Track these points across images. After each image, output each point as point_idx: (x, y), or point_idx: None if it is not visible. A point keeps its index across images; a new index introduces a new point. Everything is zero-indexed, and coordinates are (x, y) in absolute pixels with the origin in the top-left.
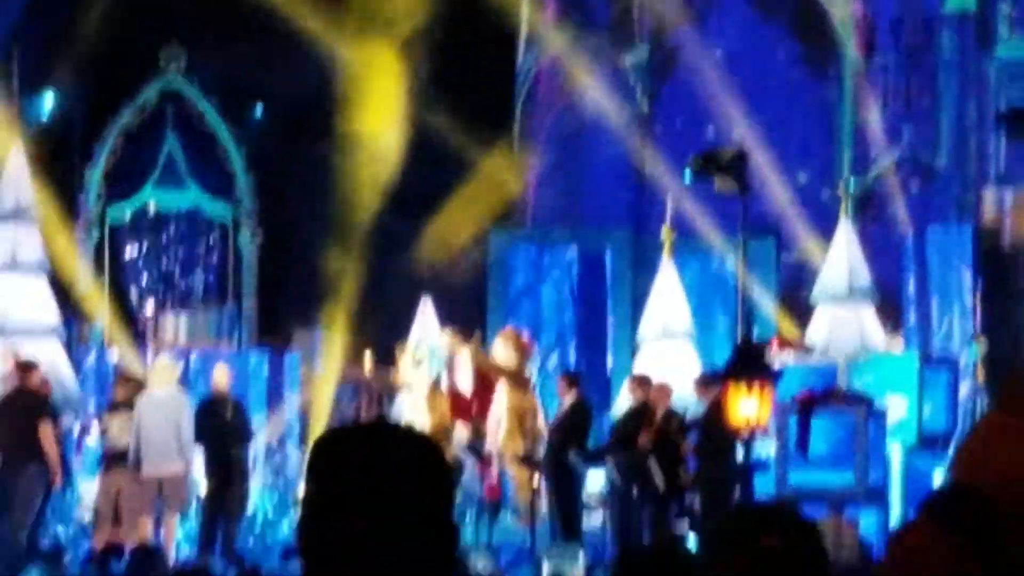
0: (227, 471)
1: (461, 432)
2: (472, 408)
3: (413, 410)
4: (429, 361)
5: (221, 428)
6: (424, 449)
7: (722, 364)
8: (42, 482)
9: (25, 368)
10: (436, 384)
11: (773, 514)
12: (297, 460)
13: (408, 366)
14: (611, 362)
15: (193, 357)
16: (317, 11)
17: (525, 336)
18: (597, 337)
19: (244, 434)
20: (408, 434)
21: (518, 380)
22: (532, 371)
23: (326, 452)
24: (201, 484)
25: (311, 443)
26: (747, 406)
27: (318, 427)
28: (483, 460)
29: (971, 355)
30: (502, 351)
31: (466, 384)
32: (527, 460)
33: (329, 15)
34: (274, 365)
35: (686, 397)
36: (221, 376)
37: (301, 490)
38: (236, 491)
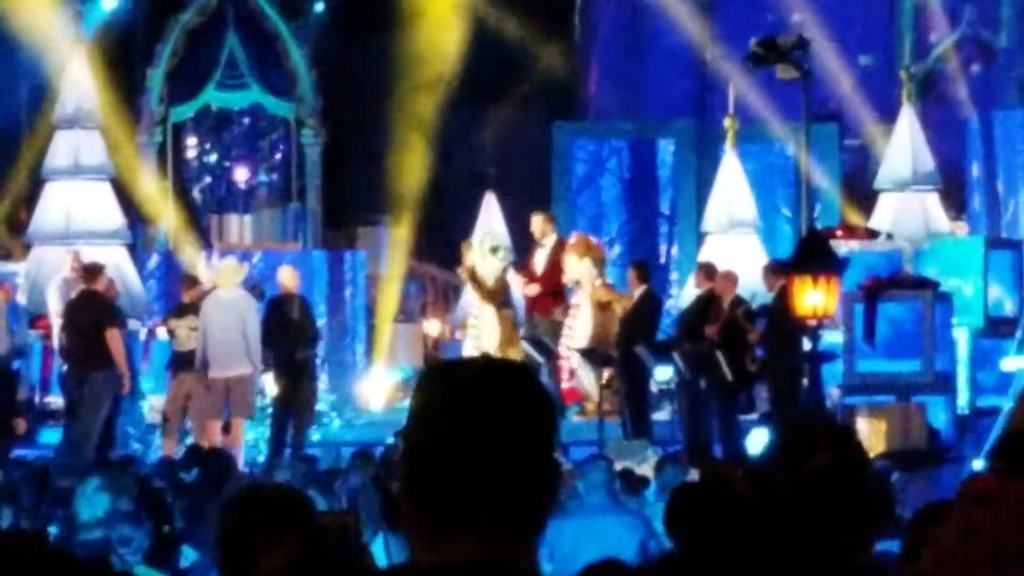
0: (295, 372)
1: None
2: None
3: (481, 306)
4: (502, 249)
5: (288, 329)
6: (528, 385)
7: (788, 253)
8: (111, 387)
9: (91, 272)
10: (505, 275)
11: (821, 433)
12: (363, 359)
13: (479, 256)
14: (676, 253)
15: (258, 258)
16: None
17: (596, 242)
18: (661, 228)
19: (312, 334)
20: (512, 369)
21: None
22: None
23: (429, 387)
24: (270, 385)
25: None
26: (813, 296)
27: (385, 325)
28: (554, 357)
29: None
30: (576, 260)
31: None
32: (596, 355)
33: None
34: (339, 264)
35: (752, 287)
36: (288, 276)
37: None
38: (305, 392)
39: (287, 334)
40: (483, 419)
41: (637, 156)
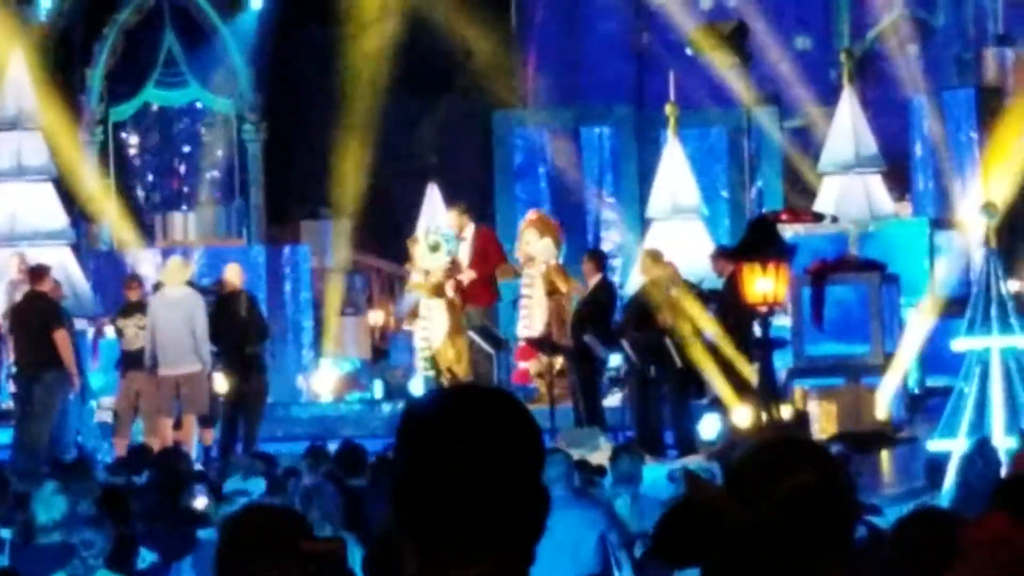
0: (245, 368)
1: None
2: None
3: (428, 301)
4: (444, 245)
5: (236, 325)
6: (515, 413)
7: (729, 238)
8: (61, 388)
9: (37, 273)
10: (452, 268)
11: (796, 451)
12: (311, 352)
13: (424, 252)
14: (620, 240)
15: (201, 254)
16: None
17: (553, 221)
18: (602, 215)
19: (260, 330)
20: (498, 397)
21: (557, 265)
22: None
23: (418, 416)
24: (219, 382)
25: (324, 329)
26: (763, 283)
27: (332, 318)
28: (502, 345)
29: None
30: (533, 233)
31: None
32: (545, 343)
33: None
34: (284, 259)
35: (699, 272)
36: (233, 273)
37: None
38: (255, 387)
39: (235, 330)
40: (469, 451)
41: (585, 144)
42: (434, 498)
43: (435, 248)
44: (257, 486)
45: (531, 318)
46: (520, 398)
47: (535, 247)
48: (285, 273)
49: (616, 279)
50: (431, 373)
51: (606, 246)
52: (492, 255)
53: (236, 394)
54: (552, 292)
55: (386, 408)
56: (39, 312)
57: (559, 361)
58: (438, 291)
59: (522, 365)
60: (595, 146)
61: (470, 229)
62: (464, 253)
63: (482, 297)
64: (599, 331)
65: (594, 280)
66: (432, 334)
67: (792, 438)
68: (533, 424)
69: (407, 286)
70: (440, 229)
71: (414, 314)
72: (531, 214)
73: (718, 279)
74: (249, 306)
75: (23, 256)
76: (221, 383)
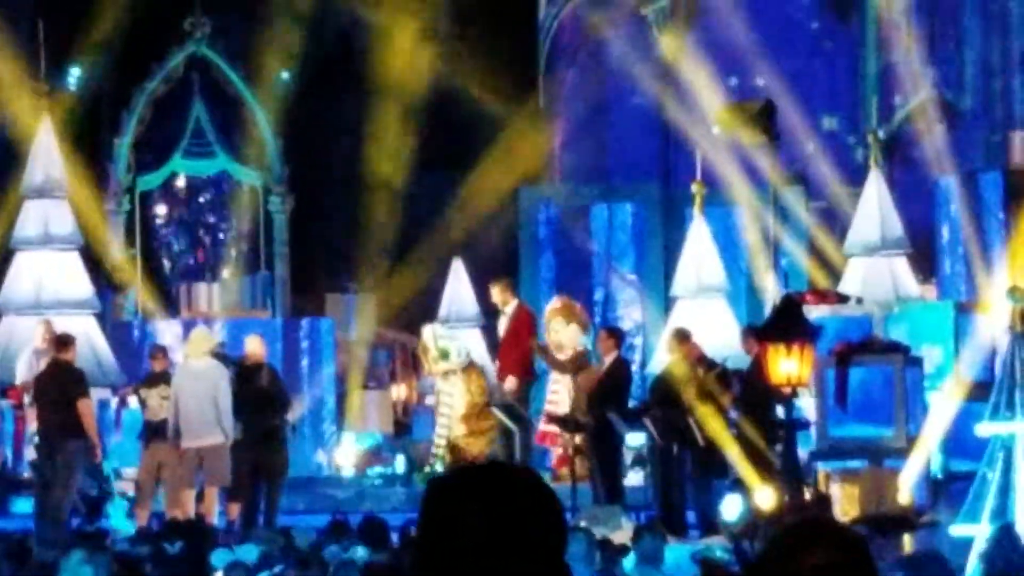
0: (266, 440)
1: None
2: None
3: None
4: (452, 349)
5: (258, 397)
6: (538, 491)
7: (761, 319)
8: (82, 457)
9: (62, 342)
10: (468, 366)
11: (823, 530)
12: (333, 426)
13: (435, 360)
14: (644, 318)
15: (227, 326)
16: None
17: (579, 306)
18: (629, 294)
19: (282, 402)
20: (521, 475)
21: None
22: (587, 339)
23: (441, 490)
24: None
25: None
26: (788, 364)
27: (355, 391)
28: (525, 423)
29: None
30: (560, 322)
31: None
32: (568, 421)
33: None
34: (308, 331)
35: (723, 351)
36: (255, 345)
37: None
38: (277, 459)
39: (256, 402)
40: (493, 527)
41: (612, 221)
42: (455, 571)
43: (444, 355)
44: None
45: (558, 403)
46: (543, 476)
47: (563, 335)
48: (308, 346)
49: (638, 357)
50: (444, 455)
51: (627, 324)
52: (525, 336)
53: (257, 466)
54: (581, 370)
55: (408, 483)
56: (63, 381)
57: (579, 439)
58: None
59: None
60: (621, 223)
61: (512, 305)
62: (503, 328)
63: (517, 373)
64: (619, 408)
65: (610, 358)
66: (453, 412)
67: (816, 518)
68: (556, 502)
69: (429, 370)
70: (442, 333)
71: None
72: (556, 301)
73: (744, 358)
74: (271, 378)
75: (49, 324)
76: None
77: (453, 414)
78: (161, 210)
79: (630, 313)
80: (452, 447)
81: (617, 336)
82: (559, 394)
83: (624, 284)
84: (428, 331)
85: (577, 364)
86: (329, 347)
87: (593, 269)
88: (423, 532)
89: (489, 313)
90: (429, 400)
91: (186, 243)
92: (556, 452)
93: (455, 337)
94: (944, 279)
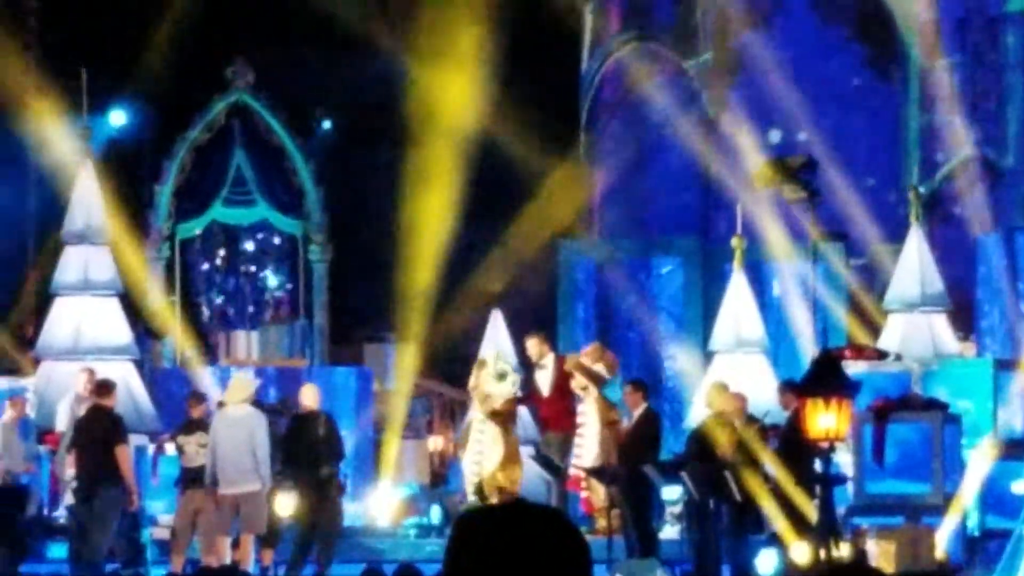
0: (320, 490)
1: (545, 444)
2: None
3: (485, 423)
4: (511, 375)
5: (312, 446)
6: (563, 530)
7: (799, 374)
8: (119, 503)
9: (103, 388)
10: (516, 399)
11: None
12: (370, 474)
13: (489, 377)
14: (682, 372)
15: (265, 374)
16: (382, 23)
17: (610, 352)
18: (667, 348)
19: (336, 451)
20: (548, 514)
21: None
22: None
23: (469, 532)
24: (283, 504)
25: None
26: (826, 419)
27: (392, 441)
28: (561, 475)
29: None
30: (587, 360)
31: (547, 392)
32: (604, 472)
33: (394, 27)
34: (346, 380)
35: (761, 407)
36: (309, 394)
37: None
38: (331, 509)
39: (310, 452)
40: (520, 565)
41: (642, 274)
42: None
43: (502, 376)
44: None
45: (583, 447)
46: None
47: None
48: (346, 395)
49: (665, 408)
50: (475, 499)
51: (667, 377)
52: (568, 387)
53: (310, 516)
54: (610, 423)
55: (443, 534)
56: (103, 426)
57: (614, 491)
58: (497, 417)
59: (584, 495)
60: (661, 277)
61: (550, 358)
62: (543, 381)
63: (561, 425)
64: (649, 460)
65: (639, 410)
66: (485, 459)
67: (854, 565)
68: (582, 541)
69: (475, 385)
70: (508, 358)
71: (466, 442)
72: (587, 347)
73: (782, 413)
74: (327, 427)
75: (92, 371)
76: (286, 505)
77: (484, 460)
78: (201, 258)
79: (672, 367)
80: (481, 489)
81: (643, 388)
82: (582, 447)
83: (667, 338)
84: (494, 351)
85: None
86: (367, 397)
87: (631, 322)
88: (449, 568)
89: (526, 365)
90: (459, 452)
91: (225, 291)
92: (582, 495)
93: (516, 371)
94: (983, 336)
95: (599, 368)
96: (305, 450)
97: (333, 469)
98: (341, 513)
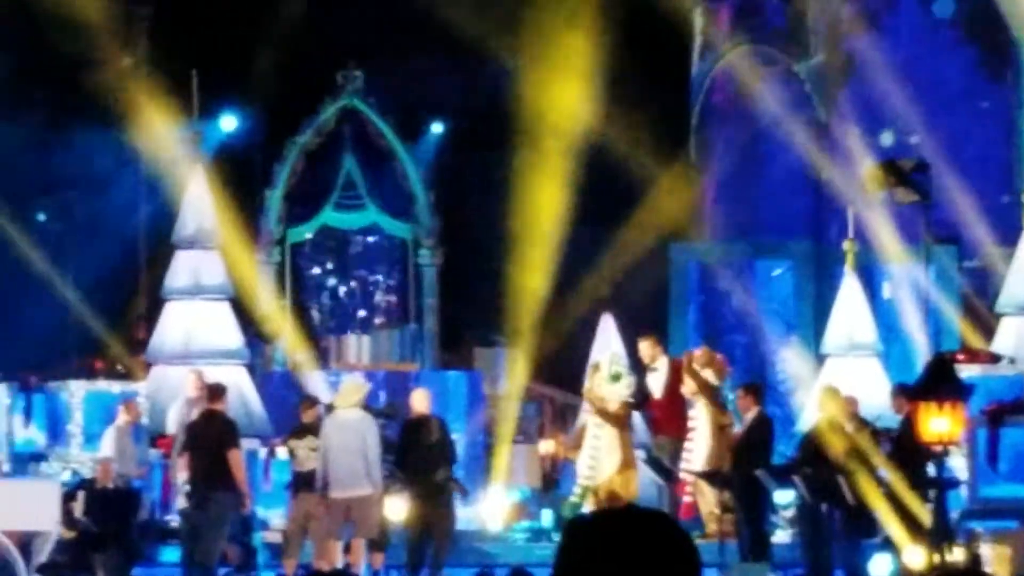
0: (434, 493)
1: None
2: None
3: (601, 426)
4: (625, 378)
5: (426, 450)
6: (673, 535)
7: (912, 377)
8: (233, 507)
9: (215, 392)
10: (630, 402)
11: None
12: (481, 478)
13: (603, 381)
14: (794, 376)
15: (375, 377)
16: (492, 26)
17: (720, 356)
18: (778, 351)
19: (449, 455)
20: (657, 519)
21: (717, 399)
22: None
23: (580, 536)
24: (398, 507)
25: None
26: (939, 423)
27: (504, 445)
28: (673, 479)
29: None
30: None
31: (660, 396)
32: (717, 477)
33: (504, 29)
34: (456, 385)
35: (873, 410)
36: (421, 399)
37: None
38: (444, 513)
39: (424, 456)
40: (630, 569)
41: (753, 277)
42: None
43: (616, 378)
44: None
45: (693, 451)
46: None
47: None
48: (456, 399)
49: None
50: (581, 502)
51: (778, 380)
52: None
53: (423, 521)
54: (721, 427)
55: (555, 538)
56: (216, 431)
57: (727, 496)
58: (614, 420)
59: (687, 499)
60: (772, 280)
61: (663, 361)
62: (656, 384)
63: (673, 428)
64: (762, 465)
65: (751, 414)
66: (600, 464)
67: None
68: (693, 548)
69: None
70: (622, 360)
71: (578, 444)
72: (697, 351)
73: (894, 417)
74: (440, 431)
75: (200, 374)
76: (397, 509)
77: (600, 465)
78: (311, 262)
79: (785, 370)
80: (595, 492)
81: (756, 392)
82: (692, 451)
83: (779, 341)
84: (610, 354)
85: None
86: (477, 401)
87: (743, 325)
88: (559, 572)
89: (639, 368)
90: (570, 455)
91: (336, 295)
92: (686, 499)
93: (631, 374)
94: None
95: (707, 373)
96: (419, 455)
97: (448, 473)
98: (455, 517)
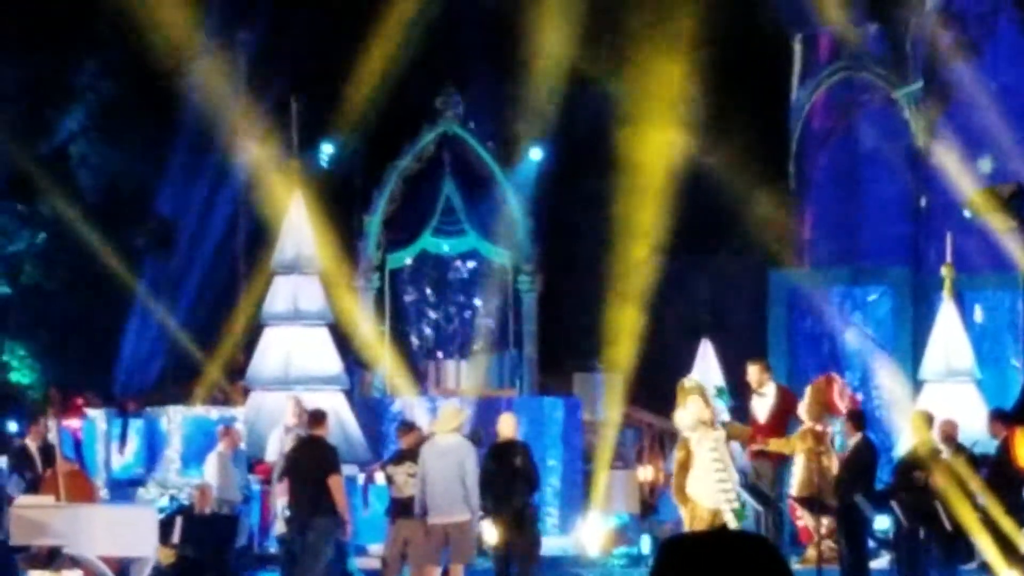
0: (518, 518)
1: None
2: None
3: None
4: (718, 400)
5: (509, 475)
6: (769, 558)
7: (1010, 404)
8: (333, 534)
9: (316, 418)
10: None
11: None
12: (579, 504)
13: (705, 401)
14: (893, 401)
15: (474, 404)
16: (591, 52)
17: (836, 389)
18: (879, 376)
19: (531, 481)
20: (754, 542)
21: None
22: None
23: (675, 557)
24: (491, 532)
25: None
26: None
27: (601, 471)
28: (771, 505)
29: None
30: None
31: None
32: (814, 503)
33: (604, 56)
34: (553, 410)
35: (971, 437)
36: (508, 424)
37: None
38: (528, 538)
39: (507, 481)
40: None
41: (862, 304)
42: None
43: (720, 393)
44: None
45: (796, 476)
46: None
47: (802, 408)
48: (554, 425)
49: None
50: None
51: (877, 405)
52: (789, 416)
53: (507, 545)
54: (818, 454)
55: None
56: (317, 456)
57: (826, 521)
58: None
59: (800, 523)
60: (868, 306)
61: (771, 387)
62: (761, 409)
63: (776, 454)
64: (863, 490)
65: (854, 440)
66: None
67: None
68: (787, 572)
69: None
70: (717, 385)
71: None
72: (820, 380)
73: (991, 442)
74: (524, 457)
75: (299, 400)
76: (490, 534)
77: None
78: (410, 287)
79: (882, 395)
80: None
81: (859, 419)
82: (796, 476)
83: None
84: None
85: (804, 440)
86: (575, 426)
87: (842, 351)
88: None
89: (737, 395)
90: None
91: (435, 321)
92: (799, 524)
93: (726, 396)
94: None
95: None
96: (503, 480)
97: (527, 498)
98: (539, 542)
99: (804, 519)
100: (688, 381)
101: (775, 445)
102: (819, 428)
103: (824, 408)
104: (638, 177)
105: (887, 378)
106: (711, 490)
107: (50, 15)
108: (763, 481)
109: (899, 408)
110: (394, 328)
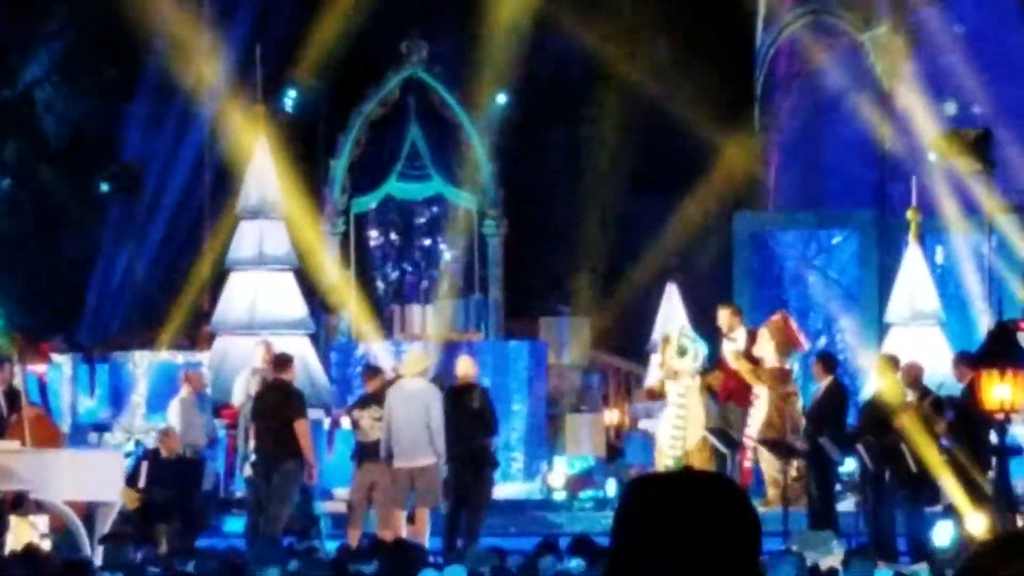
0: (474, 461)
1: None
2: (741, 392)
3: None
4: (691, 349)
5: (467, 418)
6: (734, 498)
7: (974, 346)
8: (298, 478)
9: (282, 362)
10: (703, 372)
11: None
12: (544, 447)
13: (673, 355)
14: (858, 345)
15: (440, 348)
16: None
17: (793, 327)
18: (842, 320)
19: (491, 424)
20: (718, 482)
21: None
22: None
23: (638, 497)
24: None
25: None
26: (1001, 390)
27: (567, 415)
28: (738, 448)
29: None
30: (766, 339)
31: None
32: (781, 446)
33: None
34: (519, 354)
35: (937, 378)
36: (466, 366)
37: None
38: (483, 481)
39: (465, 423)
40: (689, 530)
41: (826, 247)
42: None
43: (682, 352)
44: None
45: (753, 418)
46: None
47: (761, 348)
48: (519, 369)
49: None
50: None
51: (841, 348)
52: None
53: (461, 487)
54: (784, 396)
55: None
56: (282, 401)
57: (794, 464)
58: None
59: (747, 465)
60: (833, 249)
61: (741, 331)
62: (730, 353)
63: (745, 398)
64: (833, 434)
65: (825, 382)
66: (688, 434)
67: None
68: (753, 512)
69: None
70: (688, 332)
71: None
72: (775, 316)
73: (957, 385)
74: (482, 400)
75: (269, 345)
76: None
77: (688, 435)
78: (376, 232)
79: (847, 339)
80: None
81: (829, 361)
82: (754, 417)
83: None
84: (678, 327)
85: (774, 378)
86: (541, 370)
87: (807, 294)
88: (617, 531)
89: (703, 338)
90: (642, 424)
91: (400, 266)
92: (746, 465)
93: (699, 343)
94: None
95: (770, 347)
96: (459, 422)
97: (485, 441)
98: (491, 488)
99: (760, 461)
100: (666, 333)
101: (744, 368)
102: (786, 367)
103: (788, 344)
104: (603, 122)
105: (851, 321)
106: (664, 437)
107: None
108: (732, 424)
109: (864, 351)
110: (359, 273)
